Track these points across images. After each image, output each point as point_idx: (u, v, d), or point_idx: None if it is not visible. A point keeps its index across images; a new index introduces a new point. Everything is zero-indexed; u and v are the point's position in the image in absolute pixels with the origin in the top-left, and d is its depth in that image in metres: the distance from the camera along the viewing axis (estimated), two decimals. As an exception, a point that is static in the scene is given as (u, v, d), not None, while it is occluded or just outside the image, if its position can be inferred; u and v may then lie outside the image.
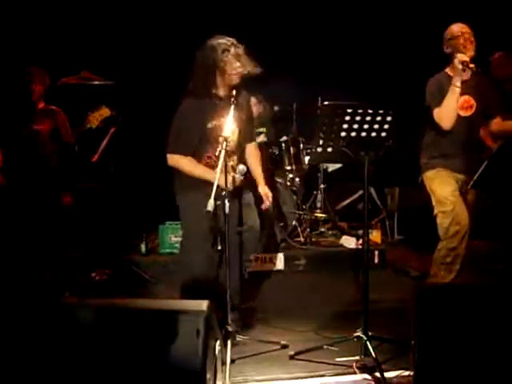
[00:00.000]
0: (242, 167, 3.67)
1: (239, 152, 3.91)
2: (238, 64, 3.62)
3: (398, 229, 7.41)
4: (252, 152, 4.04)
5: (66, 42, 6.30)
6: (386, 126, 3.28)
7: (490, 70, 4.82)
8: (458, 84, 3.78)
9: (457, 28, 3.93)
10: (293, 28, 6.91)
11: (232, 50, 3.62)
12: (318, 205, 6.57)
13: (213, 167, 3.65)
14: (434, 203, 4.03)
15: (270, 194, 3.93)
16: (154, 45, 6.81)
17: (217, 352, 2.69)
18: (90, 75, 5.76)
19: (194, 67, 3.72)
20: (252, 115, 4.06)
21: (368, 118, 3.23)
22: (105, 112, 4.66)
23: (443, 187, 3.97)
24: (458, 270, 3.94)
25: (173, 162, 3.78)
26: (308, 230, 6.15)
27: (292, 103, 6.41)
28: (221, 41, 3.64)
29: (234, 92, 3.61)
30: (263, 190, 3.93)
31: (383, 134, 3.30)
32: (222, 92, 3.73)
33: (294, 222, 6.14)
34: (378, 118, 3.24)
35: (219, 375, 2.86)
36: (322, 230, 6.56)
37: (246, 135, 3.92)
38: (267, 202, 3.92)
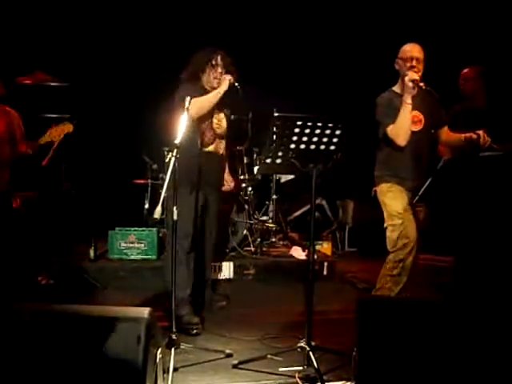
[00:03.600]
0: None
1: (226, 139, 4.41)
2: (218, 71, 4.17)
3: (351, 241, 7.51)
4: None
5: (19, 41, 6.20)
6: (335, 139, 3.31)
7: (459, 86, 4.92)
8: (409, 101, 3.84)
9: (408, 49, 3.99)
10: (251, 38, 6.96)
11: (218, 59, 4.17)
12: (270, 215, 6.62)
13: (207, 144, 4.22)
14: (385, 216, 4.09)
15: (231, 179, 4.66)
16: (110, 46, 6.77)
17: (158, 360, 2.67)
18: (44, 75, 5.68)
19: (187, 65, 4.26)
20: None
21: (317, 131, 3.25)
22: (68, 128, 4.63)
23: (395, 202, 4.03)
24: (405, 283, 4.00)
25: (194, 107, 3.90)
26: (259, 239, 6.17)
27: (248, 113, 6.40)
28: (210, 49, 4.21)
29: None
30: (228, 176, 4.65)
31: (332, 147, 3.34)
32: (208, 88, 4.23)
33: (244, 232, 6.16)
34: (328, 131, 3.27)
35: (160, 383, 2.84)
36: (273, 240, 6.59)
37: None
38: (228, 186, 4.63)
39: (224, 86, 4.07)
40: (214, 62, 4.17)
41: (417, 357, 2.63)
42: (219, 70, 4.17)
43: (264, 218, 6.54)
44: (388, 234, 4.04)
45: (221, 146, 4.33)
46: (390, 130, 3.92)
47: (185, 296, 4.10)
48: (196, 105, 3.96)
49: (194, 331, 4.02)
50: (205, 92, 4.17)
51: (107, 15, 6.72)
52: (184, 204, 3.89)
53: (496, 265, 4.55)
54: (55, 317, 2.53)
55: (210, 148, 4.24)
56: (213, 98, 4.10)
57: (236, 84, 4.07)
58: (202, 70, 4.20)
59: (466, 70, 4.94)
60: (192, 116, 3.95)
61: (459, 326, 2.66)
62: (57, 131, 4.55)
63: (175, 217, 3.46)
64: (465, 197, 4.00)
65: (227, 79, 4.08)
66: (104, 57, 6.77)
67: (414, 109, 3.92)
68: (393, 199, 4.05)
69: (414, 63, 3.92)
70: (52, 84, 5.81)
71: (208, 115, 4.18)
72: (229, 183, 4.63)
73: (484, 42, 6.34)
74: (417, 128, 3.99)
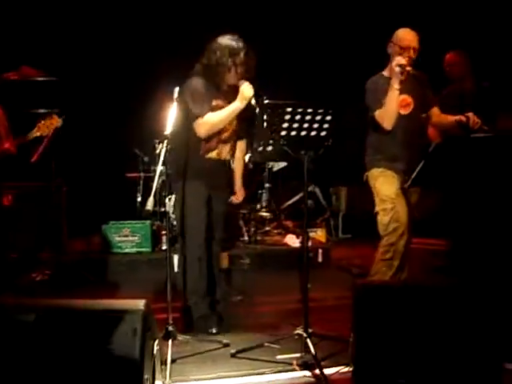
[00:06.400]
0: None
1: (233, 142, 4.01)
2: (241, 69, 3.72)
3: (345, 228, 7.51)
4: (241, 148, 4.16)
5: (4, 36, 6.14)
6: (325, 126, 3.30)
7: (444, 69, 4.91)
8: (397, 86, 3.83)
9: (409, 39, 3.93)
10: (241, 24, 6.90)
11: (241, 55, 3.70)
12: (264, 204, 6.60)
13: (209, 150, 3.84)
14: (376, 201, 4.10)
15: (243, 193, 4.20)
16: (98, 39, 6.72)
17: (155, 352, 2.67)
18: (31, 70, 5.62)
19: (203, 55, 3.80)
20: (249, 114, 3.89)
21: (308, 117, 3.25)
22: (56, 121, 4.58)
23: (387, 186, 4.03)
24: (398, 267, 4.01)
25: (206, 126, 3.71)
26: (253, 228, 6.17)
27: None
28: (233, 43, 3.72)
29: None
30: (239, 188, 4.19)
31: (323, 134, 3.33)
32: (224, 84, 3.82)
33: (239, 221, 6.16)
34: (318, 118, 3.26)
35: (158, 375, 2.83)
36: (267, 228, 6.59)
37: (240, 130, 4.01)
38: (238, 198, 4.20)
39: (241, 104, 3.63)
40: (237, 61, 3.68)
41: (413, 341, 2.64)
42: (240, 70, 3.71)
43: (257, 206, 6.53)
44: (379, 218, 4.05)
45: (224, 151, 3.92)
46: (378, 114, 3.93)
47: (198, 300, 3.92)
48: (206, 126, 3.69)
49: (213, 330, 3.84)
50: (219, 91, 3.80)
51: (94, 7, 6.66)
52: (191, 205, 3.82)
53: (491, 246, 4.57)
54: (51, 312, 2.52)
55: (212, 154, 3.87)
56: (227, 117, 3.71)
57: (253, 102, 3.58)
58: (223, 66, 3.70)
59: (450, 54, 4.94)
60: (201, 135, 3.72)
61: (456, 310, 2.67)
62: (45, 125, 4.50)
63: (167, 208, 3.44)
64: (456, 179, 4.00)
65: (246, 95, 3.59)
66: (92, 50, 6.72)
67: (402, 93, 3.92)
68: (384, 184, 4.05)
69: (412, 53, 3.89)
70: (40, 79, 5.75)
71: None
72: (238, 196, 4.19)
73: (466, 24, 6.34)
74: (406, 111, 4.00)
